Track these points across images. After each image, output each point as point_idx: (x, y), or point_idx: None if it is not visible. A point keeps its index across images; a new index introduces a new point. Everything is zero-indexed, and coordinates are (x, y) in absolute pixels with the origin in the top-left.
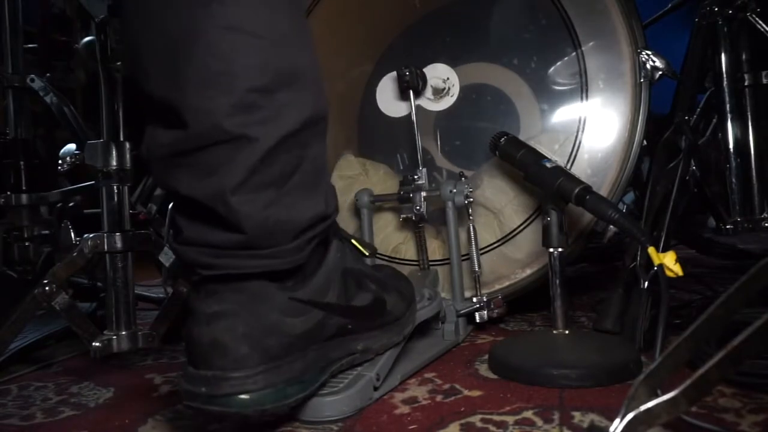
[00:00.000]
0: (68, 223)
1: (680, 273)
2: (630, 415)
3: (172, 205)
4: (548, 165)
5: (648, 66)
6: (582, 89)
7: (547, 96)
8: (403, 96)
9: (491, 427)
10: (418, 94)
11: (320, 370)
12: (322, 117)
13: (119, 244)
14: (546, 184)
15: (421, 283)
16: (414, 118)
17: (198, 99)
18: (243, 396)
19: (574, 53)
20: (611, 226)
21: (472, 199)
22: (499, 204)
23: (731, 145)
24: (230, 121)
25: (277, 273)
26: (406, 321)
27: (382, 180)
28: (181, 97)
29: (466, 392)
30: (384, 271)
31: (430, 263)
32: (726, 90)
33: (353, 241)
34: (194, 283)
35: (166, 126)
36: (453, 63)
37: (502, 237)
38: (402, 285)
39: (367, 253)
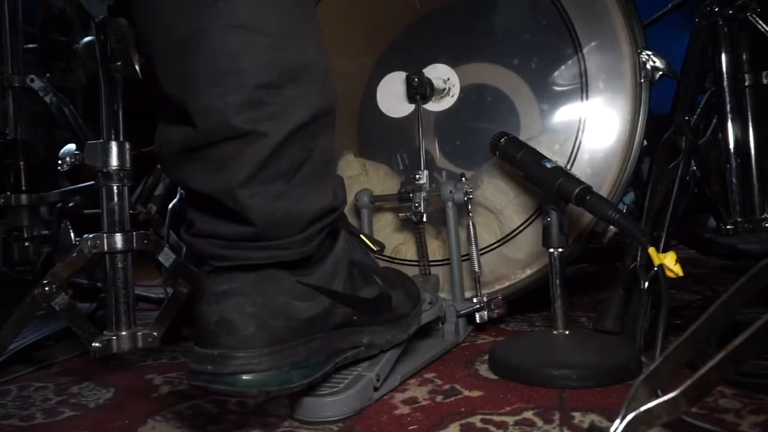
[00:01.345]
0: (68, 223)
1: (680, 273)
2: (630, 416)
3: (184, 199)
4: (548, 165)
5: (648, 66)
6: (582, 89)
7: (548, 96)
8: (409, 99)
9: (491, 428)
10: (425, 100)
11: (325, 359)
12: (330, 109)
13: (119, 245)
14: (546, 184)
15: (422, 288)
16: (420, 123)
17: (207, 97)
18: (247, 376)
19: (574, 53)
20: (611, 227)
21: (471, 197)
22: (499, 204)
23: (731, 146)
24: (239, 117)
25: (286, 263)
26: (411, 320)
27: (382, 180)
28: (190, 95)
29: (466, 392)
30: (392, 271)
31: (430, 263)
32: (726, 90)
33: (362, 236)
34: (205, 273)
35: (176, 123)
36: (453, 63)
37: (502, 237)
38: (408, 285)
39: (375, 249)
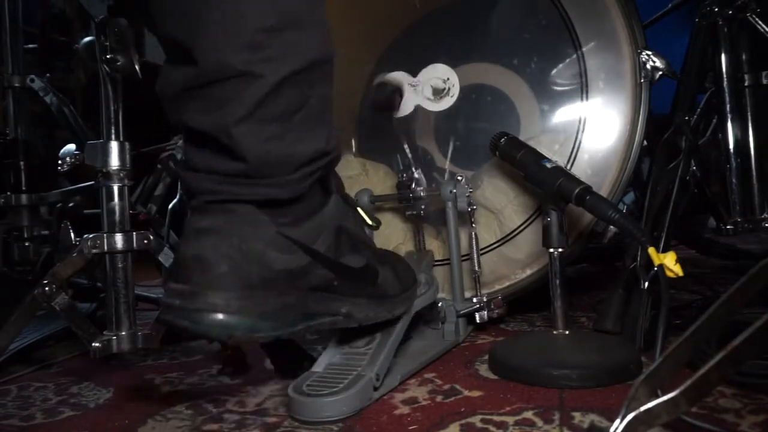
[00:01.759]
0: (68, 223)
1: (680, 273)
2: (630, 416)
3: (183, 139)
4: (548, 165)
5: (648, 66)
6: (582, 89)
7: (548, 96)
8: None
9: (491, 428)
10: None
11: (298, 318)
12: (327, 59)
13: (119, 244)
14: (546, 184)
15: (417, 266)
16: (395, 127)
17: (208, 38)
18: (214, 315)
19: (574, 53)
20: (611, 227)
21: (475, 207)
22: (499, 204)
23: (731, 146)
24: (237, 58)
25: (275, 203)
26: (400, 302)
27: (382, 180)
28: (194, 37)
29: (466, 392)
30: (388, 252)
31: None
32: (726, 90)
33: (359, 209)
34: (193, 208)
35: (179, 63)
36: (453, 63)
37: (502, 237)
38: (402, 269)
39: (370, 223)
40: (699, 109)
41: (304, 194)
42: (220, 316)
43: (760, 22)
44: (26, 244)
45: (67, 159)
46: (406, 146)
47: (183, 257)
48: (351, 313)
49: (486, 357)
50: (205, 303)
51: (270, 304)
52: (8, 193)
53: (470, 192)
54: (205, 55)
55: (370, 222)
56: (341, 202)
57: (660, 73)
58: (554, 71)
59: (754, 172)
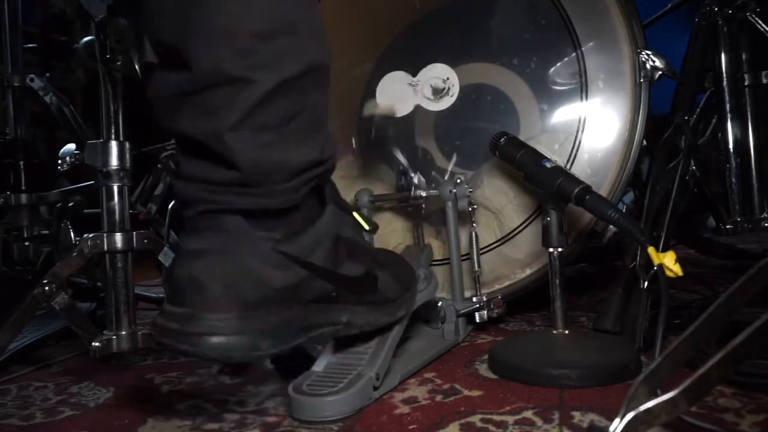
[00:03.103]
0: (68, 223)
1: (680, 273)
2: (630, 415)
3: (175, 148)
4: (548, 165)
5: (648, 66)
6: (582, 89)
7: (547, 96)
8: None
9: (491, 427)
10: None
11: (297, 332)
12: (322, 66)
13: (119, 244)
14: (546, 184)
15: (415, 260)
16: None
17: (202, 44)
18: (213, 338)
19: (573, 53)
20: (611, 226)
21: (476, 207)
22: (499, 204)
23: (731, 145)
24: (231, 63)
25: (269, 213)
26: (400, 304)
27: (382, 180)
28: (188, 42)
29: (466, 392)
30: (387, 253)
31: (430, 263)
32: (726, 90)
33: (355, 214)
34: (186, 219)
35: (172, 69)
36: (453, 63)
37: (502, 237)
38: (401, 269)
39: (367, 228)
40: (699, 109)
41: (299, 204)
42: (220, 338)
43: (760, 22)
44: (26, 243)
45: (67, 159)
46: (400, 157)
47: (178, 279)
48: (351, 321)
49: (486, 357)
50: (203, 326)
51: (269, 321)
52: (8, 192)
53: (470, 192)
54: (198, 60)
55: (367, 227)
56: (337, 209)
57: (660, 72)
58: (554, 71)
59: (753, 172)
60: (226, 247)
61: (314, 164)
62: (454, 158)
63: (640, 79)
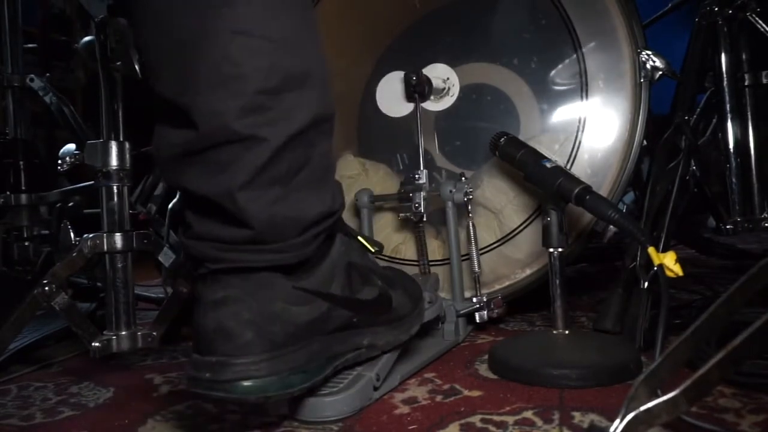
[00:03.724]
0: (68, 223)
1: (680, 273)
2: (630, 415)
3: (183, 203)
4: (548, 165)
5: (648, 66)
6: (582, 89)
7: (547, 96)
8: (407, 98)
9: (491, 427)
10: (423, 99)
11: (325, 362)
12: (329, 115)
13: (119, 244)
14: (546, 184)
15: (422, 287)
16: (419, 122)
17: (208, 101)
18: (246, 383)
19: (574, 53)
20: (611, 226)
21: (471, 197)
22: (499, 204)
23: (731, 145)
24: (239, 122)
25: (284, 266)
26: (413, 320)
27: (382, 180)
28: (191, 99)
29: (466, 392)
30: (392, 270)
31: (430, 263)
32: (726, 90)
33: (360, 238)
34: (201, 275)
35: (176, 126)
36: (453, 63)
37: (502, 237)
38: (409, 285)
39: (373, 250)
40: (699, 109)
41: (311, 256)
42: (254, 381)
43: (760, 22)
44: (26, 243)
45: (67, 159)
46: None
47: (204, 330)
48: (372, 343)
49: (486, 357)
50: (235, 371)
51: (299, 357)
52: (8, 192)
53: (470, 191)
54: (204, 118)
55: (372, 249)
56: (344, 237)
57: (660, 72)
58: (554, 71)
59: (753, 172)
60: (248, 292)
61: (325, 216)
62: (460, 174)
63: (640, 79)
